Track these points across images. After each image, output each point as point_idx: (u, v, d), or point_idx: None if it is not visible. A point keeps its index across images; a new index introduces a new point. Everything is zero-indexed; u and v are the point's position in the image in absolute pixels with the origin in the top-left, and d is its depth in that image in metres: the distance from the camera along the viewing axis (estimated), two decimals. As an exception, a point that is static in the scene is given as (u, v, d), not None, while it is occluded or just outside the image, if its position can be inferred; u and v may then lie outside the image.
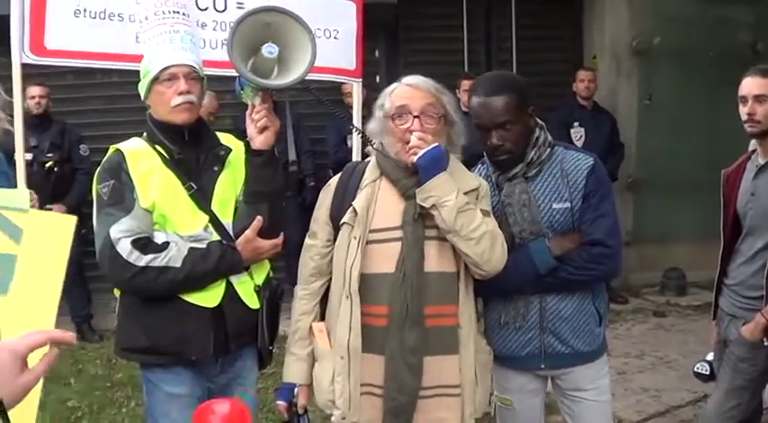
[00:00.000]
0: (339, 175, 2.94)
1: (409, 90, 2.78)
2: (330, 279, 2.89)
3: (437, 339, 2.74)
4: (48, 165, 6.86)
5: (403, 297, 2.68)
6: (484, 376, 2.89)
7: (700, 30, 8.37)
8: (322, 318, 2.92)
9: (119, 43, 3.73)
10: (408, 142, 2.69)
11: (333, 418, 2.78)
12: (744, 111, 3.40)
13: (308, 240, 2.94)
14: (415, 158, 2.66)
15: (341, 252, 2.79)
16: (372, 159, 2.89)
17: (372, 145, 2.81)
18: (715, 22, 8.38)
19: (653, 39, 8.34)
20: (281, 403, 2.94)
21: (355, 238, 2.74)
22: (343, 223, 2.78)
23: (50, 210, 6.73)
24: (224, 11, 3.92)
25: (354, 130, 2.79)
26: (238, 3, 3.86)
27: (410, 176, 2.75)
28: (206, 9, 3.81)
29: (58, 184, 6.94)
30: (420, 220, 2.73)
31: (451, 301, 2.77)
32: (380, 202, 2.79)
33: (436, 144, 2.67)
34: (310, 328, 2.90)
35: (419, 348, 2.70)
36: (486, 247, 2.71)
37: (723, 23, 8.41)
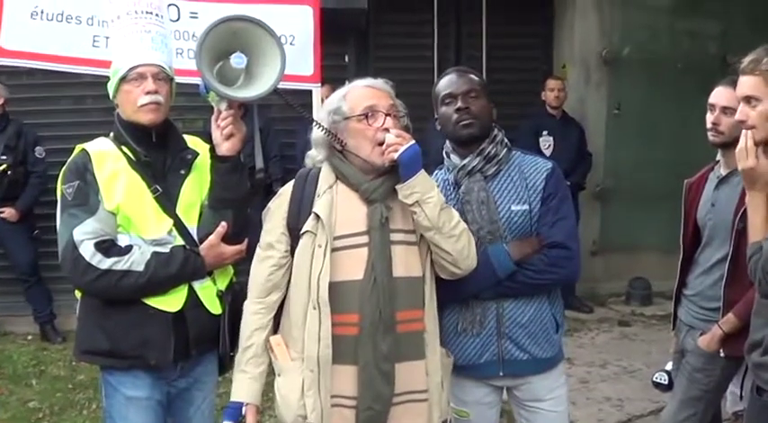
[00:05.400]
0: (291, 183, 2.86)
1: (371, 90, 2.77)
2: (284, 292, 2.81)
3: (406, 345, 2.71)
4: (1, 168, 6.69)
5: (375, 303, 2.63)
6: (447, 380, 2.89)
7: (669, 40, 8.47)
8: (274, 331, 2.83)
9: (75, 47, 3.71)
10: (381, 142, 2.65)
11: None
12: (710, 119, 3.40)
13: (262, 252, 2.81)
14: (395, 155, 2.60)
15: (303, 261, 2.70)
16: (325, 165, 2.81)
17: (343, 146, 2.73)
18: (684, 33, 8.47)
19: (622, 49, 8.41)
20: None
21: (320, 246, 2.67)
22: (306, 232, 2.69)
23: (2, 213, 6.70)
24: (177, 20, 3.92)
25: (324, 132, 2.75)
26: (192, 13, 3.86)
27: (372, 180, 2.72)
28: None
29: (11, 188, 6.77)
30: (386, 225, 2.70)
31: (418, 306, 2.75)
32: (341, 208, 2.72)
33: (413, 141, 2.64)
34: (266, 342, 2.79)
35: (392, 355, 2.65)
36: (465, 243, 2.73)
37: (692, 35, 8.49)
